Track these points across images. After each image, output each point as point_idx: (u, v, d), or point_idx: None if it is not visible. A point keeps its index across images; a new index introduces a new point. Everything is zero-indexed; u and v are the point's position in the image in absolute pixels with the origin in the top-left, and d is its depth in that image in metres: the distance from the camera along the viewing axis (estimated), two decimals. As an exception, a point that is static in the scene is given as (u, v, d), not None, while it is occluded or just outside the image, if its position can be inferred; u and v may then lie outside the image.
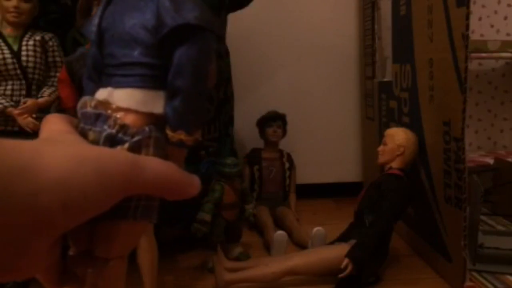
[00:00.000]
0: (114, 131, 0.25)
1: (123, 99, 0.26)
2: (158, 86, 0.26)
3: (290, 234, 1.63)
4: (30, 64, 1.42)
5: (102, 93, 0.27)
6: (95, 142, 0.25)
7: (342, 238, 1.41)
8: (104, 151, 0.23)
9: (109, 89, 0.27)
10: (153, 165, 0.23)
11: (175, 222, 1.52)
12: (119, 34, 0.27)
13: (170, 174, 0.24)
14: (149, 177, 0.23)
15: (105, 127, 0.25)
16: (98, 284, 0.25)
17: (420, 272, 1.43)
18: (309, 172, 1.99)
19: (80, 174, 0.20)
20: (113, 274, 0.25)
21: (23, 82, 1.41)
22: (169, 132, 0.26)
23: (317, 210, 2.05)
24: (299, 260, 1.31)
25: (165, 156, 0.25)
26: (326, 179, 2.23)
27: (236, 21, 1.77)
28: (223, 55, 1.69)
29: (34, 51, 1.42)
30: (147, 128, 0.25)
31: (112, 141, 0.25)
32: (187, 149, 0.27)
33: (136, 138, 0.25)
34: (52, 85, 1.46)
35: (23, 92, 1.41)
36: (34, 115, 1.39)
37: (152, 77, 0.26)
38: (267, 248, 1.58)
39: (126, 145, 0.25)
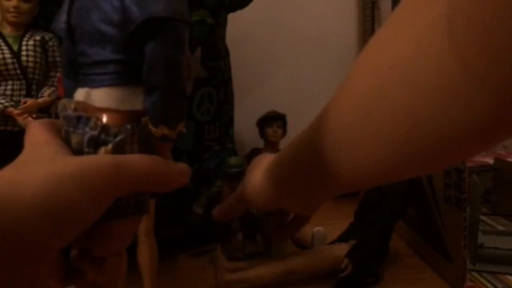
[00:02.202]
0: (96, 132, 0.25)
1: (101, 98, 0.26)
2: (134, 82, 0.26)
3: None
4: (30, 64, 1.41)
5: (80, 94, 0.27)
6: (79, 144, 0.25)
7: (342, 238, 1.41)
8: (83, 162, 0.22)
9: (86, 89, 0.26)
10: (136, 162, 0.23)
11: (175, 223, 1.52)
12: (88, 31, 0.26)
13: (156, 167, 0.23)
14: (134, 175, 0.23)
15: (87, 129, 0.25)
16: (98, 280, 0.25)
17: (420, 272, 1.43)
18: (309, 172, 1.99)
19: (62, 193, 0.20)
20: (112, 270, 0.25)
21: (23, 82, 1.41)
22: (151, 128, 0.26)
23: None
24: (299, 260, 1.31)
25: (151, 150, 0.25)
26: (326, 179, 2.23)
27: (236, 21, 1.77)
28: (223, 55, 1.69)
29: (34, 51, 1.42)
30: (129, 126, 0.25)
31: (95, 143, 0.25)
32: (171, 141, 0.27)
33: (119, 138, 0.24)
34: (52, 85, 1.46)
35: (23, 92, 1.41)
36: (34, 115, 1.39)
37: (127, 73, 0.26)
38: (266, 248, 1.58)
39: (110, 146, 0.25)
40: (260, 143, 1.95)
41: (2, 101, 1.37)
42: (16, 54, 1.40)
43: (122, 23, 0.25)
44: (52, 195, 0.20)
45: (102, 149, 0.25)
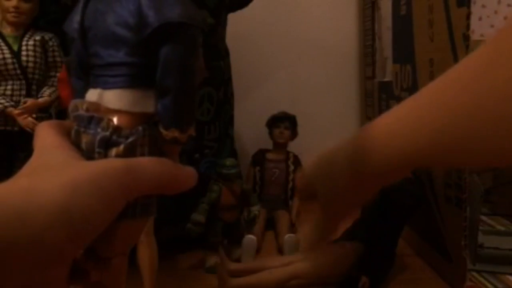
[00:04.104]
0: (108, 133, 0.25)
1: (114, 100, 0.26)
2: (147, 85, 0.26)
3: (276, 239, 1.62)
4: (30, 64, 1.41)
5: (92, 95, 0.27)
6: (90, 144, 0.25)
7: (347, 237, 1.39)
8: (97, 167, 0.22)
9: (98, 90, 0.27)
10: (147, 166, 0.23)
11: (175, 223, 1.51)
12: (102, 33, 0.27)
13: (166, 171, 0.24)
14: (145, 179, 0.23)
15: (99, 129, 0.25)
16: (103, 281, 0.25)
17: (420, 272, 1.43)
18: (309, 172, 1.98)
19: (77, 200, 0.20)
20: (116, 270, 0.25)
21: (23, 82, 1.41)
22: (162, 130, 0.26)
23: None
24: (302, 265, 1.29)
25: (160, 153, 0.26)
26: (326, 179, 2.23)
27: (236, 21, 1.77)
28: (223, 55, 1.69)
29: (34, 51, 1.42)
30: (140, 128, 0.25)
31: (107, 144, 0.25)
32: (181, 145, 0.27)
33: (130, 139, 0.25)
34: (52, 85, 1.46)
35: (23, 92, 1.41)
36: (34, 115, 1.39)
37: (140, 76, 0.26)
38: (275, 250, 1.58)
39: (121, 147, 0.25)
40: (261, 143, 1.94)
41: (2, 101, 1.37)
42: (16, 54, 1.40)
43: (137, 26, 0.26)
44: (68, 203, 0.20)
45: (113, 150, 0.25)
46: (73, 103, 0.27)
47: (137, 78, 0.26)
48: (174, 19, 0.25)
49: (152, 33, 0.25)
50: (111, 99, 0.26)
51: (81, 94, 0.28)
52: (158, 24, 0.25)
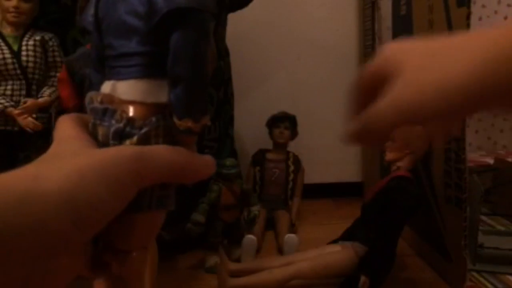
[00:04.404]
0: (121, 125, 0.25)
1: (127, 91, 0.26)
2: (160, 74, 0.26)
3: (276, 239, 1.62)
4: (30, 64, 1.41)
5: (106, 87, 0.27)
6: (105, 137, 0.25)
7: (347, 237, 1.39)
8: (106, 155, 0.22)
9: (112, 81, 0.27)
10: (160, 152, 0.23)
11: (175, 223, 1.51)
12: (114, 23, 0.26)
13: (178, 158, 0.24)
14: (158, 165, 0.23)
15: (113, 121, 0.25)
16: (122, 275, 0.25)
17: (420, 272, 1.43)
18: (308, 172, 1.99)
19: (84, 188, 0.20)
20: (136, 265, 0.25)
21: (23, 82, 1.41)
22: (176, 120, 0.26)
23: (317, 210, 2.05)
24: (302, 265, 1.29)
25: (175, 144, 0.25)
26: (326, 179, 2.23)
27: (236, 21, 1.77)
28: (223, 55, 1.69)
29: (34, 51, 1.42)
30: (154, 119, 0.25)
31: (121, 135, 0.25)
32: (196, 135, 0.27)
33: (144, 130, 0.25)
34: (52, 85, 1.46)
35: (23, 92, 1.41)
36: (34, 115, 1.39)
37: (153, 65, 0.26)
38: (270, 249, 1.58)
39: (135, 138, 0.25)
40: (261, 143, 1.94)
41: (2, 101, 1.37)
42: (16, 54, 1.40)
43: (147, 14, 0.25)
44: (74, 190, 0.20)
45: (127, 142, 0.25)
46: (88, 96, 0.27)
47: (150, 68, 0.26)
48: (182, 4, 0.24)
49: (161, 20, 0.25)
50: (124, 90, 0.26)
51: (98, 87, 0.28)
52: (167, 10, 0.24)
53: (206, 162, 0.25)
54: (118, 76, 0.26)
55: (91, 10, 0.28)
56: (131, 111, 0.25)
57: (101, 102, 0.27)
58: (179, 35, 0.25)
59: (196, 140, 0.27)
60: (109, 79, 0.27)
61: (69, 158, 0.22)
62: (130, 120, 0.25)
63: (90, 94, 0.27)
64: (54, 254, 0.20)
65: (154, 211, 0.25)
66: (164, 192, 0.25)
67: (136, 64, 0.26)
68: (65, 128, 0.26)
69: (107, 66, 0.28)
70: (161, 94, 0.26)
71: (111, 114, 0.25)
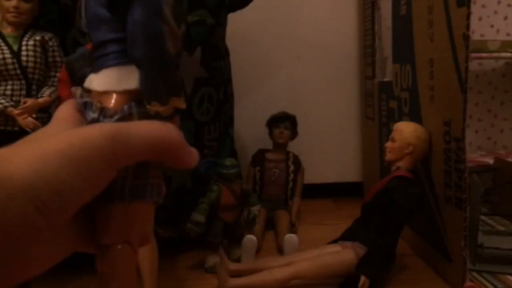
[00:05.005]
0: (96, 115, 0.25)
1: (100, 82, 0.25)
2: (130, 61, 0.25)
3: (276, 239, 1.62)
4: (30, 64, 1.41)
5: (86, 81, 0.27)
6: None
7: (347, 237, 1.39)
8: (75, 135, 0.21)
9: (91, 75, 0.26)
10: (141, 127, 0.22)
11: (175, 223, 1.51)
12: (90, 18, 0.26)
13: (164, 132, 0.22)
14: (138, 141, 0.21)
15: (90, 112, 0.25)
16: (105, 272, 0.23)
17: (420, 272, 1.43)
18: (308, 172, 1.99)
19: (48, 172, 0.19)
20: (120, 262, 0.24)
21: (23, 82, 1.41)
22: (147, 106, 0.25)
23: (317, 210, 2.05)
24: (302, 265, 1.29)
25: None
26: (326, 179, 2.23)
27: (236, 21, 1.77)
28: (223, 55, 1.69)
29: (34, 51, 1.42)
30: (125, 107, 0.24)
31: None
32: (167, 119, 0.26)
33: (114, 118, 0.24)
34: (52, 85, 1.46)
35: (23, 92, 1.41)
36: (34, 115, 1.39)
37: (123, 52, 0.25)
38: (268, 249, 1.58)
39: None
40: (261, 143, 1.94)
41: (2, 101, 1.37)
42: (16, 54, 1.40)
43: (107, 1, 0.25)
44: (35, 174, 0.19)
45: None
46: (72, 91, 0.27)
47: (120, 54, 0.25)
48: None
49: (115, 4, 0.24)
50: (98, 82, 0.26)
51: None
52: None
53: (191, 151, 0.24)
54: (94, 68, 0.26)
55: (82, 12, 0.28)
56: (104, 101, 0.25)
57: (81, 96, 0.26)
58: (131, 16, 0.24)
59: (178, 124, 0.26)
60: (90, 72, 0.27)
61: (43, 140, 0.21)
62: (103, 110, 0.24)
63: (73, 90, 0.27)
64: (23, 240, 0.19)
65: (129, 202, 0.23)
66: (139, 181, 0.24)
67: (107, 52, 0.26)
68: (62, 110, 0.26)
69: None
70: (130, 80, 0.25)
71: (90, 107, 0.25)
